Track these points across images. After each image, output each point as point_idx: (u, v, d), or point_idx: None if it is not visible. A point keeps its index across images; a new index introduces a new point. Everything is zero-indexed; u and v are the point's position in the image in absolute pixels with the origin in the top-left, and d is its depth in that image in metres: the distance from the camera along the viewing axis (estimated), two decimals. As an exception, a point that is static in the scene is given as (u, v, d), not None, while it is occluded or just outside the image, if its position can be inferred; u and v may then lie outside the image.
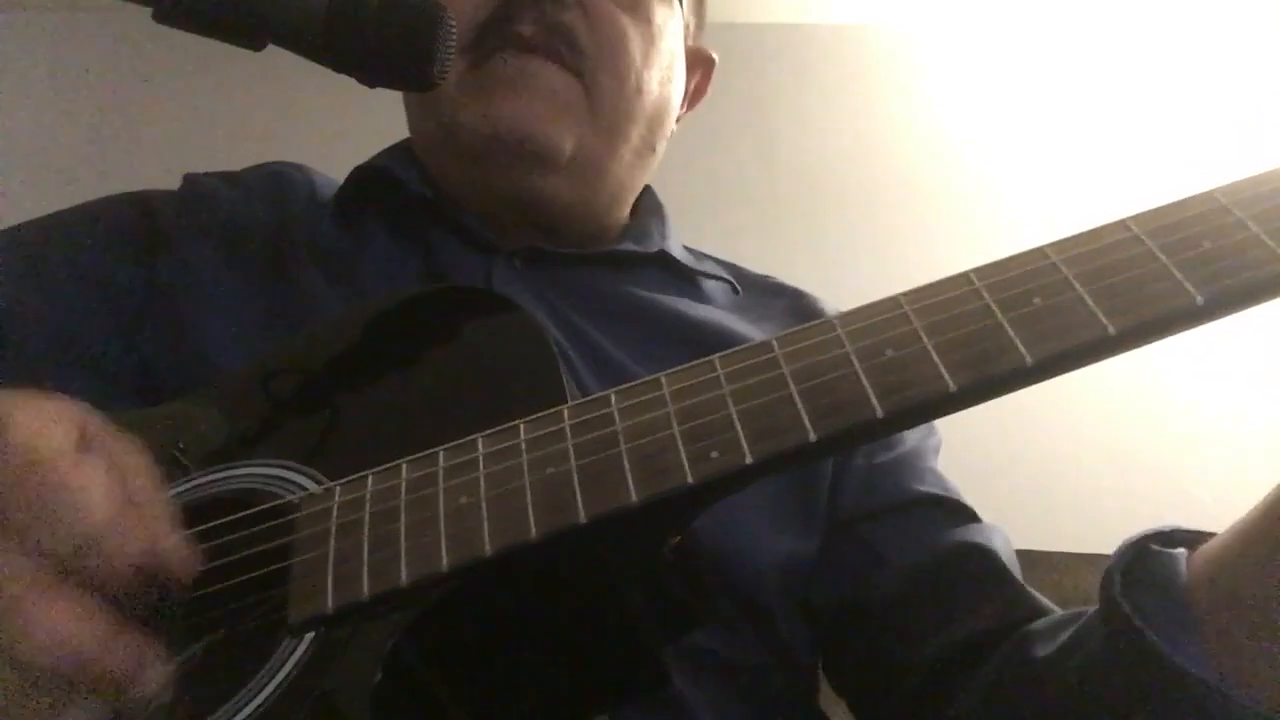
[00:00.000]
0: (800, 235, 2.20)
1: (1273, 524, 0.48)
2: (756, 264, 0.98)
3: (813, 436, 0.43)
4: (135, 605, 0.43)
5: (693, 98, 1.00)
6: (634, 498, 0.44)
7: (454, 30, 0.65)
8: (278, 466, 0.56)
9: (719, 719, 0.67)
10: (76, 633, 0.39)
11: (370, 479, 0.51)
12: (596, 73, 0.81)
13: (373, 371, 0.61)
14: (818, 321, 0.48)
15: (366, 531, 0.48)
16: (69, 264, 0.78)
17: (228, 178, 0.89)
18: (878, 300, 0.47)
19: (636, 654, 0.51)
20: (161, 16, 0.61)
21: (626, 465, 0.45)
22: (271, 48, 0.63)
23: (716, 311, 0.86)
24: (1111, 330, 0.41)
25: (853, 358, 0.45)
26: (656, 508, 0.45)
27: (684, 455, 0.45)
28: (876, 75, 2.38)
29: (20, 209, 0.85)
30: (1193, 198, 0.44)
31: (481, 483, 0.48)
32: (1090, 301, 0.42)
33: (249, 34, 0.62)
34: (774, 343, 0.47)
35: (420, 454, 0.50)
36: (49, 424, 0.44)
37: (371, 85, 0.66)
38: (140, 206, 0.84)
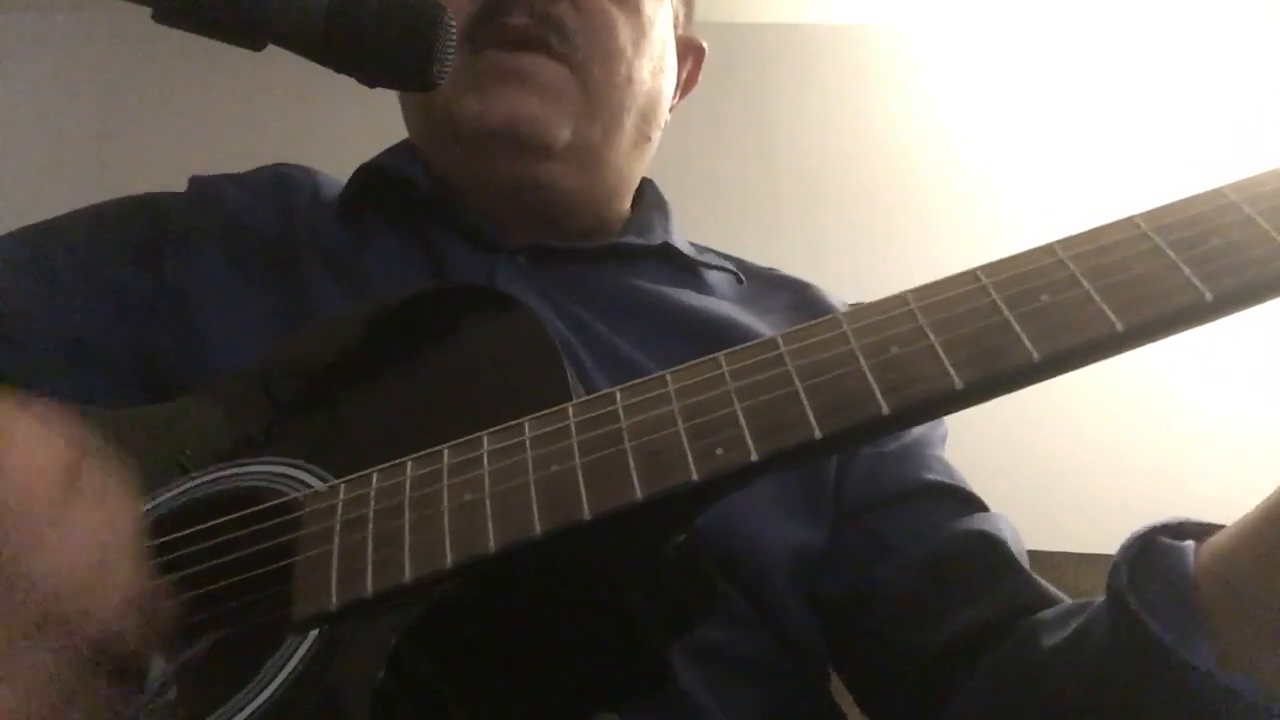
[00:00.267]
0: (800, 235, 2.20)
1: (1275, 517, 0.48)
2: (756, 263, 0.98)
3: (818, 434, 0.43)
4: (105, 659, 0.43)
5: (684, 86, 1.00)
6: (638, 495, 0.44)
7: (454, 30, 0.65)
8: (282, 464, 0.55)
9: (728, 713, 0.67)
10: (31, 707, 0.40)
11: (375, 476, 0.51)
12: (588, 63, 0.82)
13: (377, 370, 0.61)
14: (823, 319, 0.47)
15: (370, 528, 0.48)
16: (76, 265, 0.78)
17: (233, 179, 0.90)
18: (884, 298, 0.47)
19: (641, 650, 0.51)
20: (161, 16, 0.61)
21: (631, 462, 0.45)
22: (271, 48, 0.63)
23: (721, 303, 0.86)
24: (1120, 327, 0.41)
25: (858, 355, 0.45)
26: (661, 505, 0.45)
27: (689, 452, 0.45)
28: (876, 75, 2.38)
29: (21, 209, 0.85)
30: (1201, 194, 0.44)
31: (486, 480, 0.47)
32: (1098, 298, 0.42)
33: (249, 34, 0.62)
34: (779, 339, 0.47)
35: (425, 451, 0.50)
36: (35, 453, 0.44)
37: (371, 85, 0.66)
38: (147, 208, 0.84)
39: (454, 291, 0.70)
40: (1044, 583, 0.70)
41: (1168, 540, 0.53)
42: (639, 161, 0.92)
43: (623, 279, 0.84)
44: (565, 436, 0.48)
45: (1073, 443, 2.00)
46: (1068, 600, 0.67)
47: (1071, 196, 2.18)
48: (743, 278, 0.92)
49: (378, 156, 0.90)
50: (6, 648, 0.40)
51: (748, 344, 0.48)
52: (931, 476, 0.78)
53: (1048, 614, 0.64)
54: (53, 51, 2.40)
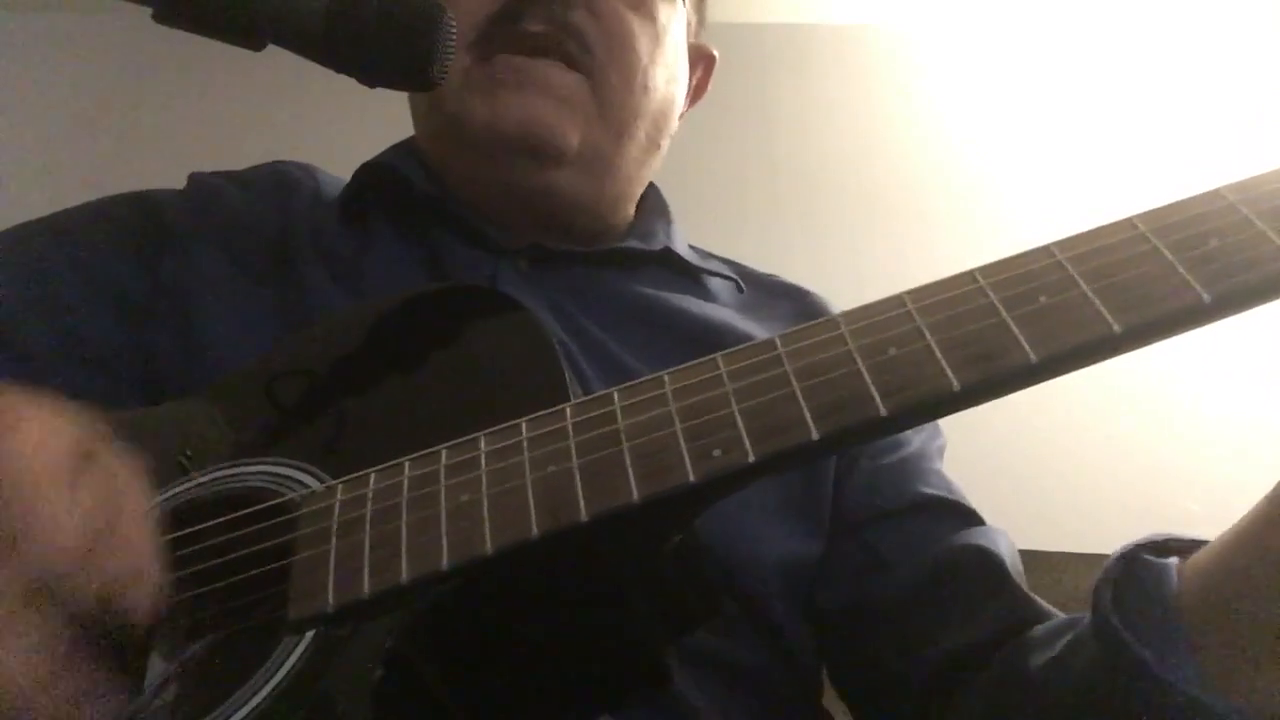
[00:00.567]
0: (800, 235, 2.20)
1: (1257, 535, 0.48)
2: (756, 263, 0.98)
3: (815, 435, 0.43)
4: (100, 632, 0.43)
5: (694, 94, 1.00)
6: (635, 496, 0.44)
7: (454, 30, 0.65)
8: (281, 465, 0.55)
9: (721, 719, 0.67)
10: (19, 672, 0.40)
11: (372, 477, 0.51)
12: (605, 70, 0.81)
13: (376, 370, 0.61)
14: (821, 320, 0.47)
15: (368, 529, 0.48)
16: (74, 263, 0.78)
17: (232, 177, 0.89)
18: (881, 299, 0.47)
19: (638, 653, 0.51)
20: (161, 16, 0.61)
21: (628, 463, 0.45)
22: (271, 48, 0.63)
23: (722, 310, 0.86)
24: (1117, 329, 0.41)
25: (856, 356, 0.45)
26: (658, 506, 0.45)
27: (686, 453, 0.45)
28: (876, 75, 2.38)
29: (21, 209, 0.85)
30: (1199, 195, 0.44)
31: (483, 481, 0.47)
32: (1096, 300, 0.42)
33: (249, 34, 0.62)
34: (777, 341, 0.47)
35: (422, 453, 0.50)
36: (50, 437, 0.45)
37: (371, 85, 0.66)
38: (145, 206, 0.84)
39: (454, 292, 0.70)
40: (1036, 599, 0.70)
41: (1151, 558, 0.54)
42: (647, 168, 0.92)
43: (623, 284, 0.84)
44: (562, 438, 0.48)
45: (1072, 443, 2.00)
46: (1059, 616, 0.67)
47: (1071, 197, 2.18)
48: (743, 285, 0.92)
49: (378, 156, 0.90)
50: (14, 607, 0.40)
51: (746, 345, 0.48)
52: (929, 490, 0.79)
53: (1038, 631, 0.65)
54: (53, 51, 2.40)
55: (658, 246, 0.88)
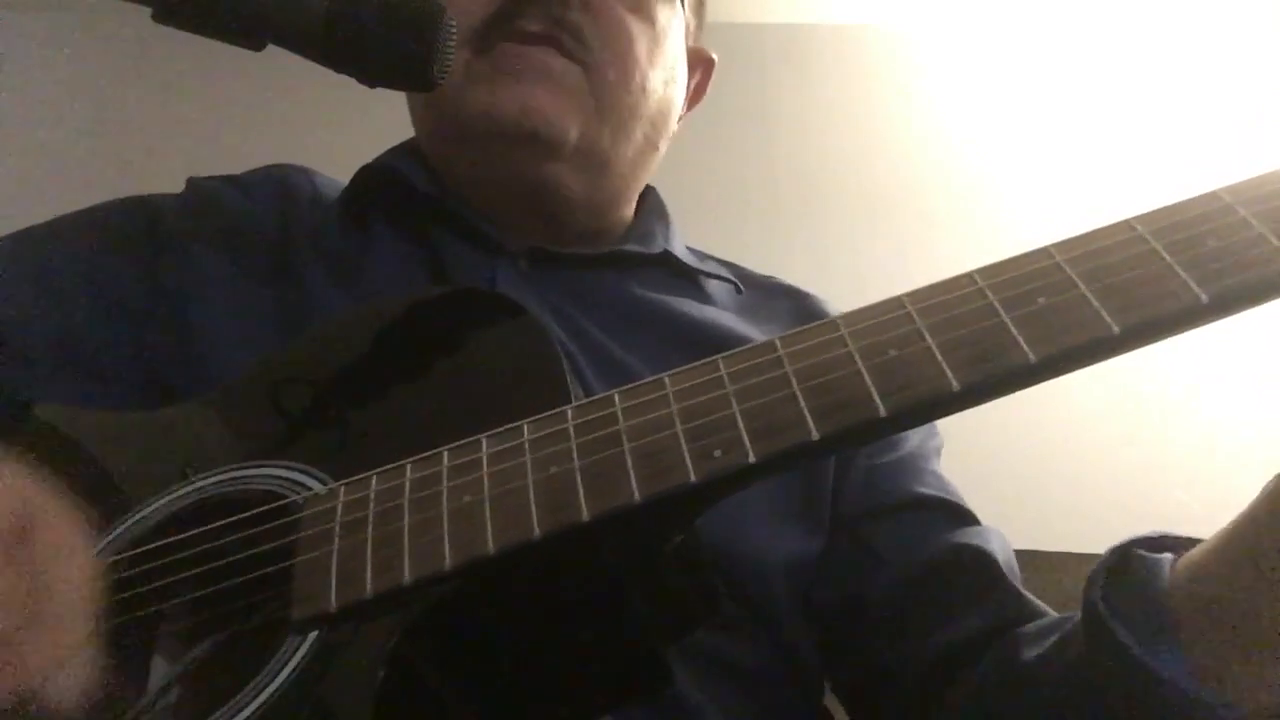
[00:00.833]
0: (800, 235, 2.20)
1: (1247, 533, 0.49)
2: (756, 264, 0.98)
3: (815, 435, 0.43)
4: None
5: (693, 97, 1.00)
6: (636, 497, 0.44)
7: (454, 30, 0.65)
8: (283, 468, 0.56)
9: (722, 718, 0.67)
10: None
11: (374, 479, 0.51)
12: (602, 67, 0.81)
13: (378, 373, 0.61)
14: (821, 321, 0.48)
15: (370, 530, 0.48)
16: (73, 268, 0.78)
17: (231, 180, 0.90)
18: (881, 300, 0.47)
19: (639, 653, 0.51)
20: (161, 16, 0.61)
21: (629, 464, 0.45)
22: (271, 48, 0.63)
23: (720, 312, 0.86)
24: (1116, 329, 0.41)
25: (856, 357, 0.45)
26: (659, 506, 0.45)
27: (687, 454, 0.45)
28: (876, 75, 2.38)
29: (20, 209, 0.85)
30: (1197, 197, 0.44)
31: (485, 482, 0.48)
32: (1095, 301, 0.42)
33: (249, 34, 0.62)
34: (777, 342, 0.47)
35: (424, 454, 0.50)
36: None
37: (371, 85, 0.66)
38: (144, 210, 0.84)
39: (457, 295, 0.70)
40: (1029, 595, 0.70)
41: (1144, 553, 0.54)
42: (645, 170, 0.92)
43: (622, 286, 0.84)
44: (564, 439, 0.48)
45: (1072, 443, 2.00)
46: (1053, 614, 0.67)
47: (1071, 197, 2.18)
48: (742, 287, 0.92)
49: (378, 158, 0.90)
50: None
51: (746, 347, 0.48)
52: (924, 490, 0.79)
53: (1030, 627, 0.65)
54: (53, 51, 2.40)
55: (656, 249, 0.88)
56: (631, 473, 0.45)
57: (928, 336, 0.44)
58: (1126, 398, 2.00)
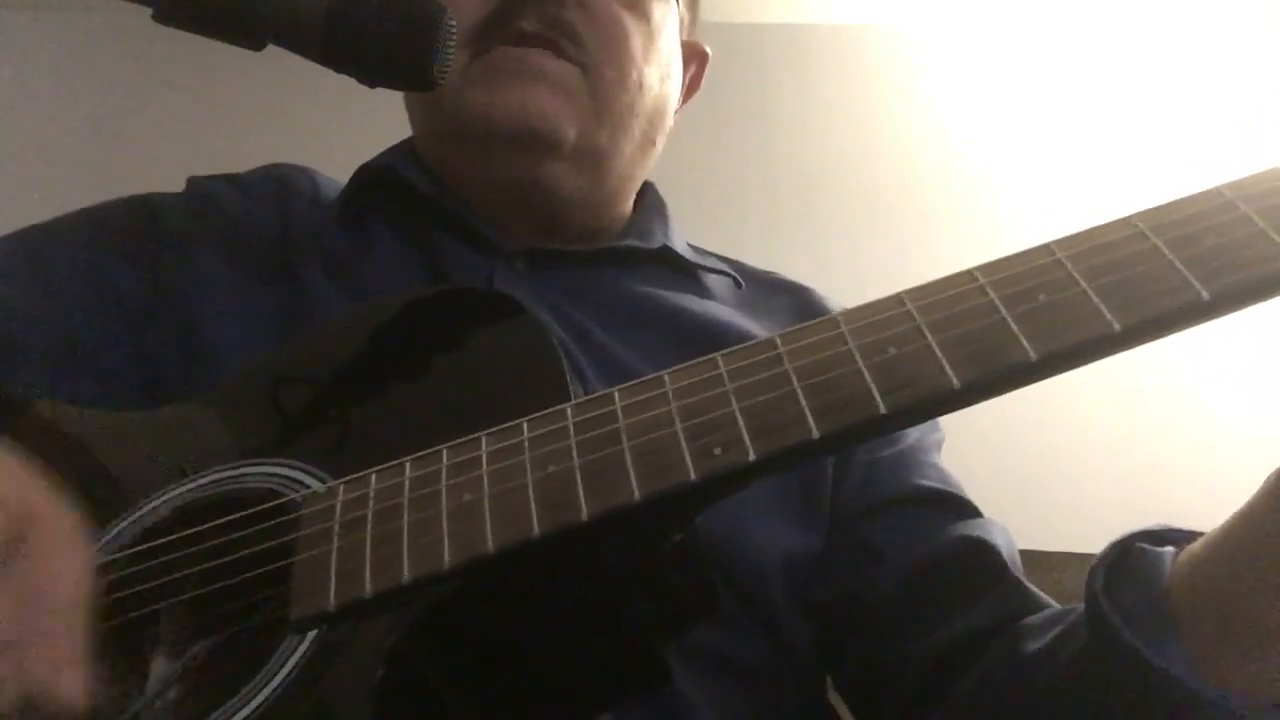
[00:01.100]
0: (800, 235, 2.20)
1: (1246, 528, 0.49)
2: (756, 264, 0.98)
3: (815, 433, 0.43)
4: None
5: (687, 92, 1.00)
6: (636, 495, 0.44)
7: (454, 30, 0.65)
8: (282, 466, 0.56)
9: (722, 716, 0.67)
10: None
11: (374, 477, 0.51)
12: (600, 67, 0.82)
13: (377, 372, 0.61)
14: (821, 319, 0.48)
15: (369, 529, 0.48)
16: (72, 266, 0.78)
17: (230, 180, 0.90)
18: (881, 298, 0.47)
19: (639, 651, 0.51)
20: (162, 16, 0.61)
21: (629, 462, 0.45)
22: (271, 48, 0.63)
23: (720, 307, 0.86)
24: (1116, 326, 0.41)
25: (856, 355, 0.45)
26: (659, 505, 0.45)
27: (686, 452, 0.45)
28: (876, 75, 2.38)
29: (20, 209, 0.85)
30: (1198, 194, 0.44)
31: (484, 480, 0.48)
32: (1095, 297, 0.42)
33: (248, 34, 0.62)
34: (777, 340, 0.47)
35: (424, 453, 0.50)
36: None
37: (371, 85, 0.66)
38: (144, 209, 0.84)
39: (456, 294, 0.70)
40: (1032, 588, 0.70)
41: (1146, 546, 0.54)
42: (642, 166, 0.92)
43: (621, 283, 0.84)
44: (563, 437, 0.48)
45: (1072, 443, 2.00)
46: (1055, 605, 0.67)
47: (1071, 196, 2.17)
48: (741, 282, 0.92)
49: (377, 158, 0.90)
50: None
51: (746, 344, 0.48)
52: (925, 483, 0.79)
53: (1033, 620, 0.65)
54: (53, 51, 2.40)
55: (656, 244, 0.88)
56: (631, 471, 0.45)
57: (928, 334, 0.44)
58: (1127, 396, 2.00)
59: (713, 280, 0.90)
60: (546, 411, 0.50)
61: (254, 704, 0.45)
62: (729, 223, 2.06)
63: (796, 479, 0.77)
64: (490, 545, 0.45)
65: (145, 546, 0.54)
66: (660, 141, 0.92)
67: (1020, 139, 2.28)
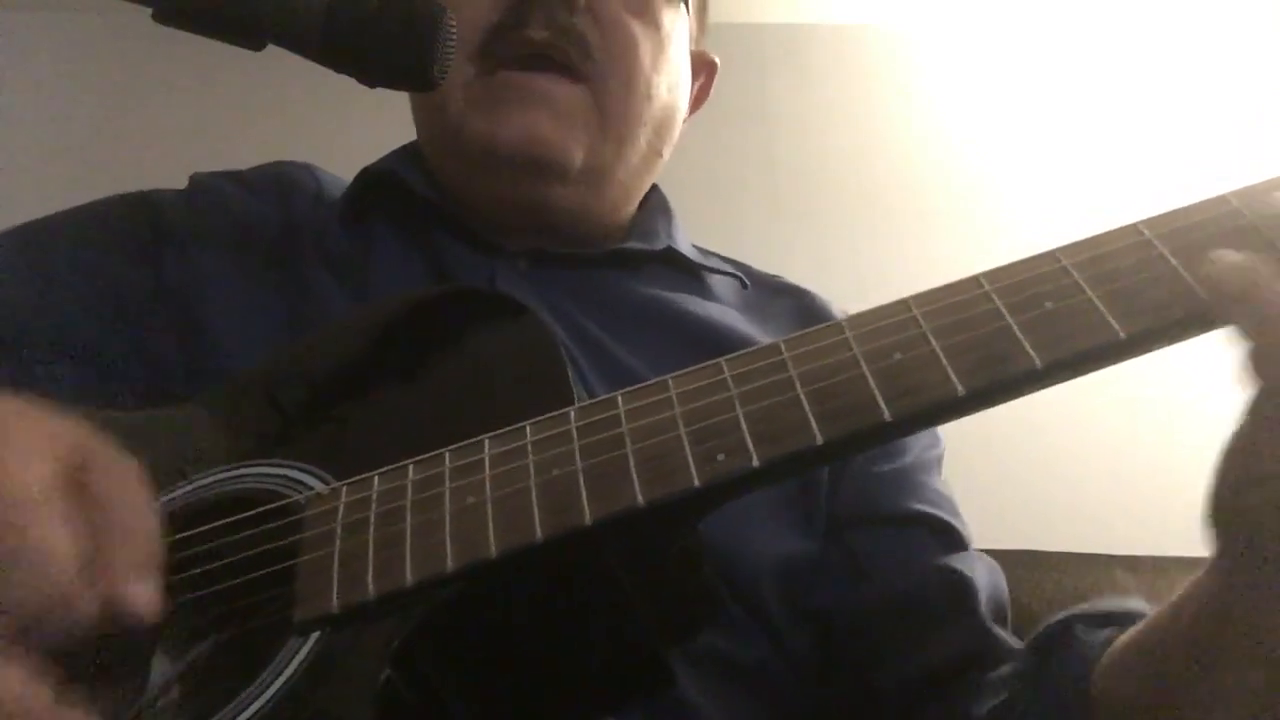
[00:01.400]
0: (800, 235, 2.20)
1: (1156, 641, 0.53)
2: (756, 264, 0.98)
3: (820, 439, 0.43)
4: (95, 660, 0.43)
5: (695, 102, 0.99)
6: (640, 500, 0.44)
7: (454, 31, 0.65)
8: (285, 467, 0.55)
9: (725, 718, 0.67)
10: (14, 707, 0.39)
11: (376, 479, 0.51)
12: (606, 78, 0.81)
13: (380, 373, 0.61)
14: (826, 324, 0.47)
15: (372, 532, 0.48)
16: (73, 262, 0.78)
17: (233, 177, 0.89)
18: (886, 303, 0.47)
19: (642, 655, 0.51)
20: (161, 16, 0.61)
21: (633, 467, 0.45)
22: (271, 47, 0.63)
23: (725, 310, 0.85)
24: (1122, 335, 0.41)
25: (861, 361, 0.45)
26: (662, 510, 0.45)
27: (690, 457, 0.45)
28: (876, 75, 2.38)
29: (20, 209, 0.85)
30: (1205, 201, 0.44)
31: (487, 484, 0.47)
32: (1101, 305, 0.42)
33: (248, 34, 0.62)
34: (782, 345, 0.47)
35: (427, 455, 0.50)
36: (38, 455, 0.44)
37: (371, 85, 0.66)
38: (146, 206, 0.84)
39: (459, 295, 0.70)
40: (1000, 633, 0.71)
41: (1082, 632, 0.60)
42: (648, 176, 0.91)
43: (624, 285, 0.84)
44: (567, 441, 0.48)
45: (1072, 443, 2.00)
46: (1019, 649, 0.69)
47: (1071, 197, 2.18)
48: (747, 282, 0.91)
49: (380, 160, 0.89)
50: (4, 644, 0.39)
51: (750, 350, 0.48)
52: (919, 506, 0.78)
53: (993, 676, 0.67)
54: (53, 51, 2.39)
55: (660, 245, 0.88)
56: (634, 475, 0.45)
57: (933, 340, 0.44)
58: (1128, 396, 2.00)
59: (717, 281, 0.90)
60: (550, 415, 0.50)
61: (257, 705, 0.45)
62: (729, 223, 2.05)
63: (794, 484, 0.76)
64: (493, 549, 0.45)
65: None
66: (667, 153, 0.91)
67: (1020, 139, 2.28)
